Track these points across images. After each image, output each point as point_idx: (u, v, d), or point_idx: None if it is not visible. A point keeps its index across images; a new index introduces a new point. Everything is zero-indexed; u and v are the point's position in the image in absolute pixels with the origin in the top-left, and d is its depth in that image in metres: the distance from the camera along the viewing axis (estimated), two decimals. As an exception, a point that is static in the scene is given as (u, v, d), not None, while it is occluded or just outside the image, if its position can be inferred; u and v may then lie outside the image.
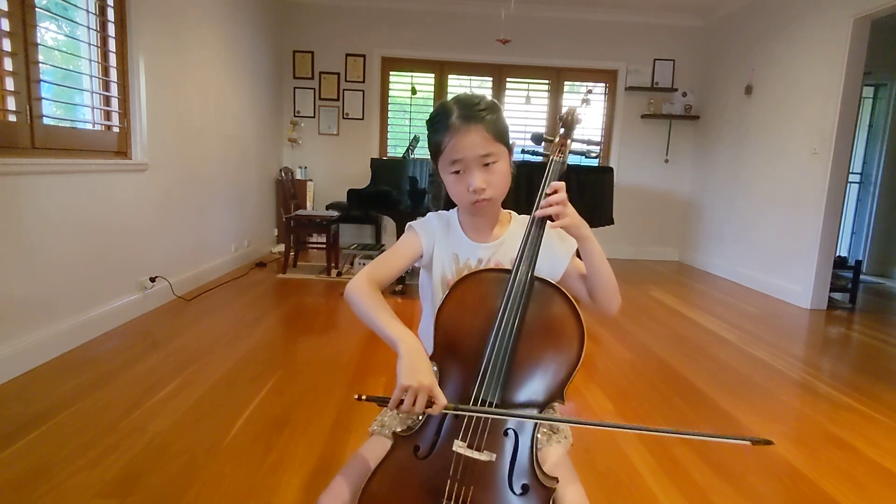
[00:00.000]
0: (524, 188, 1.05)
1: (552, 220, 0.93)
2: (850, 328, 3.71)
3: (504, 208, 1.10)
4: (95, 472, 1.57)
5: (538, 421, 0.90)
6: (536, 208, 0.95)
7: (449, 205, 1.10)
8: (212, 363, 2.46)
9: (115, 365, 2.37)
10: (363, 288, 0.97)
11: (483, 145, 0.96)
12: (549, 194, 0.94)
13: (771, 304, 4.23)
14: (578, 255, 1.05)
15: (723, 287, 4.81)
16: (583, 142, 1.03)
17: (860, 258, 5.40)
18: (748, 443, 0.82)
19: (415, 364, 0.84)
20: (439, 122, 0.99)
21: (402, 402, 0.82)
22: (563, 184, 0.95)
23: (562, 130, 1.03)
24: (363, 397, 0.84)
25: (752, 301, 4.29)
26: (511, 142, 1.02)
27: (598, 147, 1.10)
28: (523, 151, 1.05)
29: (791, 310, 4.06)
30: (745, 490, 1.66)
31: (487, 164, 0.97)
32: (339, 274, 4.46)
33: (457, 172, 0.98)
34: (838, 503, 1.63)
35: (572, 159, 1.03)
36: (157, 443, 1.75)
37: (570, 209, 0.94)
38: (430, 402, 0.83)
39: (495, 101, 1.01)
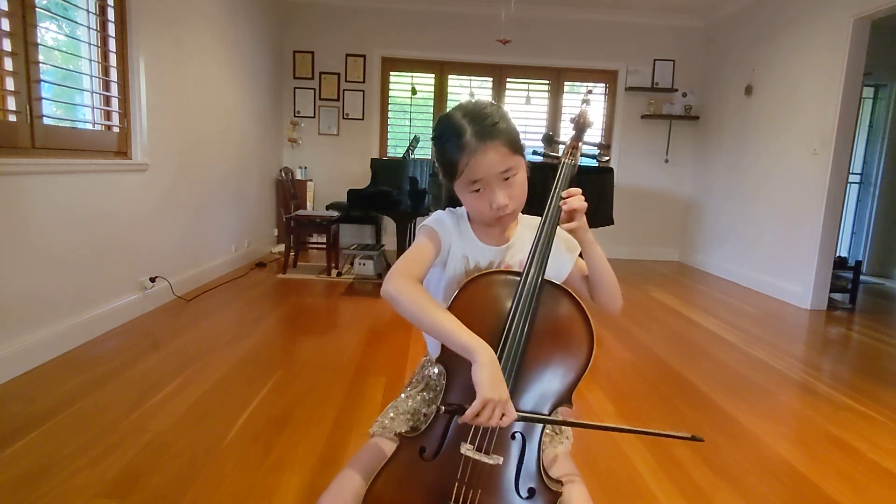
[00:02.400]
0: (534, 188, 1.05)
1: (569, 221, 0.95)
2: (851, 329, 3.71)
3: None
4: (95, 472, 1.57)
5: (545, 425, 0.90)
6: (548, 211, 0.95)
7: (451, 204, 1.09)
8: (212, 363, 2.46)
9: (115, 365, 2.37)
10: (412, 287, 0.90)
11: (502, 162, 0.93)
12: (565, 198, 0.95)
13: (771, 304, 4.23)
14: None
15: (723, 287, 4.81)
16: (593, 145, 1.03)
17: (860, 258, 5.41)
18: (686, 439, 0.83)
19: (495, 375, 0.82)
20: (451, 142, 0.94)
21: (478, 414, 0.81)
22: (579, 189, 0.95)
23: (573, 133, 1.03)
24: (442, 409, 0.85)
25: (752, 301, 4.29)
26: (522, 145, 1.00)
27: (609, 150, 1.11)
28: (533, 153, 1.05)
29: (791, 310, 4.06)
30: (745, 490, 1.66)
31: (507, 178, 0.95)
32: (339, 274, 4.46)
33: (476, 191, 0.96)
34: (837, 503, 1.63)
35: (580, 161, 1.03)
36: (157, 443, 1.75)
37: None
38: (502, 416, 0.83)
39: (499, 105, 0.98)
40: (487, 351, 0.83)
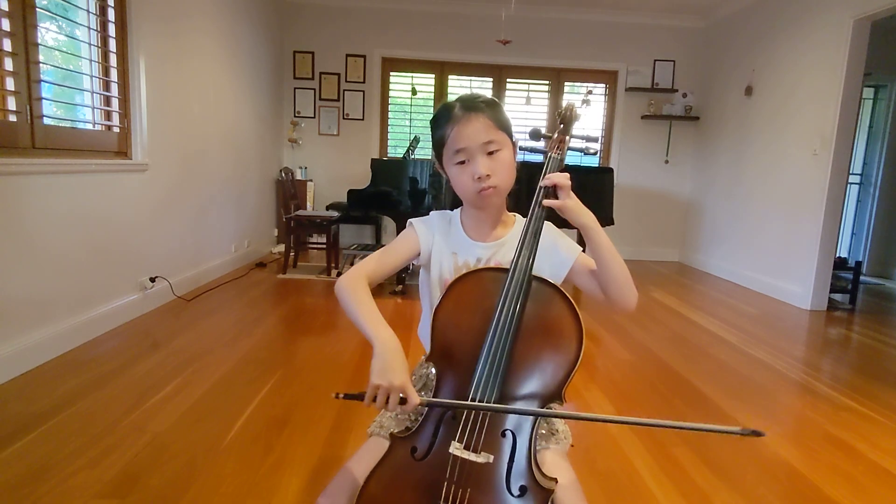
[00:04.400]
0: (524, 187, 1.04)
1: (555, 198, 0.95)
2: (850, 329, 3.71)
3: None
4: (95, 472, 1.57)
5: (535, 420, 0.89)
6: (535, 204, 0.95)
7: (454, 207, 1.10)
8: (212, 363, 2.46)
9: (115, 365, 2.37)
10: (352, 284, 0.98)
11: (486, 132, 0.96)
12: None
13: (771, 304, 4.23)
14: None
15: (723, 288, 4.81)
16: (581, 138, 1.03)
17: (860, 259, 5.41)
18: (738, 434, 0.78)
19: (387, 363, 0.85)
20: (442, 117, 1.00)
21: (372, 399, 0.84)
22: (567, 174, 0.96)
23: (560, 126, 1.03)
24: (340, 395, 0.87)
25: (752, 302, 4.29)
26: (514, 139, 1.02)
27: (597, 143, 1.10)
28: (521, 149, 1.05)
29: (791, 311, 4.06)
30: (745, 490, 1.66)
31: (491, 153, 0.97)
32: (338, 274, 4.46)
33: (461, 163, 0.98)
34: (837, 503, 1.63)
35: (571, 158, 1.02)
36: (156, 443, 1.75)
37: (573, 196, 0.96)
38: (404, 400, 0.84)
39: (496, 99, 1.02)
40: (382, 339, 0.88)
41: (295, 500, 1.50)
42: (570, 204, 0.95)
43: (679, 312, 3.86)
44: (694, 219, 5.91)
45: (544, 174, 0.97)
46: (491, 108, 0.98)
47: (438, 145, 1.02)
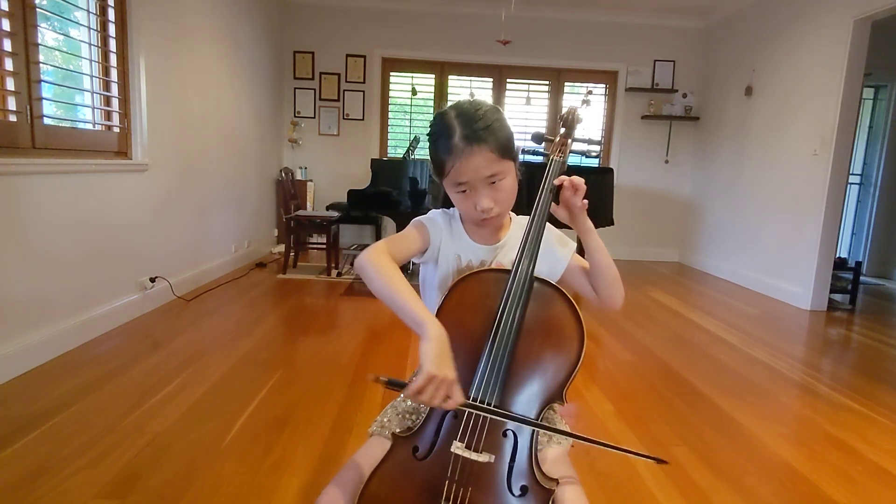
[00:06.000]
0: (525, 188, 1.05)
1: (574, 197, 0.95)
2: (850, 329, 3.71)
3: None
4: (95, 472, 1.57)
5: (537, 420, 0.90)
6: (537, 207, 0.95)
7: (449, 203, 1.09)
8: (212, 363, 2.46)
9: (115, 365, 2.37)
10: (383, 260, 0.91)
11: (488, 167, 0.94)
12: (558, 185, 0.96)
13: (771, 305, 4.23)
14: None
15: (723, 288, 4.81)
16: (583, 141, 1.03)
17: (860, 259, 5.41)
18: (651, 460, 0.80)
19: (443, 353, 0.80)
20: (441, 141, 0.95)
21: (420, 391, 0.78)
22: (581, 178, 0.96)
23: (562, 130, 1.03)
24: (381, 378, 0.80)
25: (752, 302, 4.29)
26: (516, 147, 1.00)
27: (599, 146, 1.09)
28: (524, 151, 1.06)
29: (791, 311, 4.06)
30: (745, 491, 1.66)
31: (494, 182, 0.96)
32: (339, 274, 4.46)
33: (463, 191, 0.98)
34: (837, 503, 1.63)
35: (573, 159, 1.03)
36: (156, 443, 1.75)
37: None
38: (447, 398, 0.80)
39: (497, 107, 0.98)
40: (436, 327, 0.82)
41: (295, 500, 1.50)
42: (583, 205, 0.97)
43: (679, 313, 3.86)
44: (694, 219, 5.91)
45: (546, 177, 0.98)
46: (494, 136, 0.93)
47: (438, 170, 0.98)
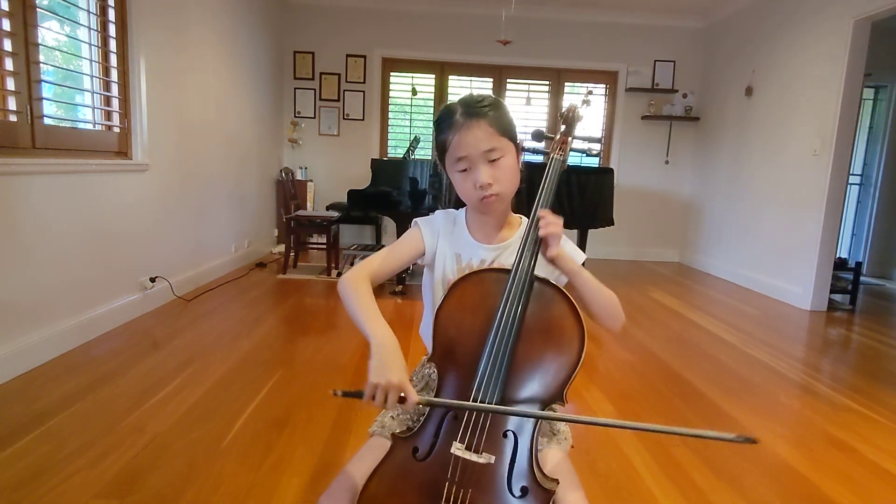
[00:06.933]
0: (525, 188, 1.04)
1: (546, 247, 0.92)
2: (851, 330, 3.71)
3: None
4: (95, 472, 1.57)
5: (537, 421, 0.89)
6: (536, 207, 0.95)
7: (458, 206, 1.09)
8: (212, 363, 2.46)
9: (115, 365, 2.37)
10: (353, 283, 0.97)
11: (487, 140, 0.95)
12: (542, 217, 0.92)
13: (771, 305, 4.23)
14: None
15: (723, 288, 4.81)
16: (583, 139, 1.03)
17: (860, 260, 5.40)
18: (731, 440, 0.78)
19: (384, 361, 0.84)
20: (444, 122, 0.99)
21: (372, 398, 0.83)
22: (560, 222, 0.93)
23: (563, 127, 1.03)
24: (339, 392, 0.85)
25: (752, 302, 4.29)
26: (519, 140, 1.01)
27: (599, 145, 1.09)
28: (524, 150, 1.06)
29: (791, 311, 4.06)
30: (745, 491, 1.66)
31: (493, 160, 0.96)
32: (339, 274, 4.46)
33: (464, 171, 0.98)
34: (837, 503, 1.63)
35: (573, 159, 1.03)
36: (156, 443, 1.75)
37: (563, 243, 0.94)
38: (403, 398, 0.83)
39: (500, 99, 1.01)
40: (379, 338, 0.88)
41: (295, 500, 1.50)
42: (563, 252, 0.93)
43: (679, 313, 3.86)
44: (694, 219, 5.91)
45: (547, 175, 0.98)
46: (494, 112, 0.97)
47: (440, 150, 1.01)
